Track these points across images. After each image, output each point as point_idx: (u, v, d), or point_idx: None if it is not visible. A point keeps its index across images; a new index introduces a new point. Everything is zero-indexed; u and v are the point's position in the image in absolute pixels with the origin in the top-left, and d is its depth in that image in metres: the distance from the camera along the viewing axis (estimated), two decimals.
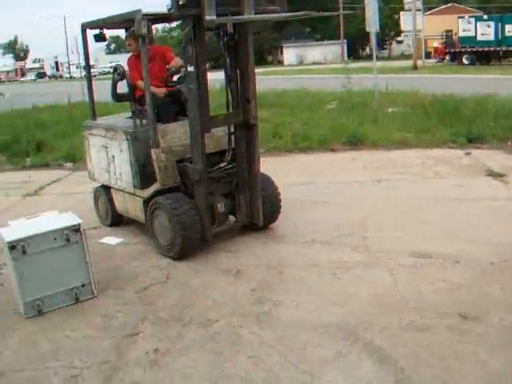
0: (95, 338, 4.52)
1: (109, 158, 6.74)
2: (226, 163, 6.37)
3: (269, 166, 9.68)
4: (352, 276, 5.25)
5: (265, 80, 26.98)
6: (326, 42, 68.18)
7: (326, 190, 8.09)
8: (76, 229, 5.04)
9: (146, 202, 6.28)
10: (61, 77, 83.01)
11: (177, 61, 6.45)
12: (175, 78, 6.62)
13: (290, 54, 68.37)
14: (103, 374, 4.03)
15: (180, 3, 5.42)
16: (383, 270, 5.33)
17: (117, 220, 7.23)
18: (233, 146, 6.37)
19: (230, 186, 6.40)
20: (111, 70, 6.95)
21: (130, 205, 6.74)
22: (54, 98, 20.16)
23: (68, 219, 5.24)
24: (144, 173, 6.25)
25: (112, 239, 6.70)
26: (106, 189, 7.17)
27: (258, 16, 5.95)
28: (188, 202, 5.96)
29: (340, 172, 9.18)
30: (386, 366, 3.83)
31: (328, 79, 26.21)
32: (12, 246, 4.84)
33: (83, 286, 5.15)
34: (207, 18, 5.36)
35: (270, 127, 12.57)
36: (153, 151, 5.99)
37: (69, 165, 11.59)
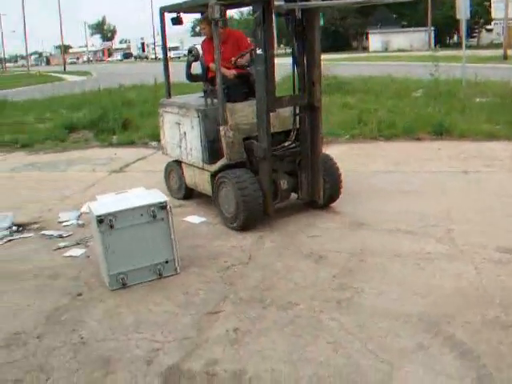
0: (177, 314, 4.59)
1: (181, 134, 7.20)
2: (290, 142, 6.67)
3: (353, 152, 9.67)
4: (436, 268, 5.14)
5: (350, 66, 26.80)
6: (412, 28, 66.87)
7: (410, 179, 7.95)
8: (163, 206, 5.12)
9: (213, 175, 6.68)
10: (146, 58, 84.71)
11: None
12: (245, 61, 6.96)
13: (375, 40, 67.46)
14: (184, 349, 4.09)
15: None
16: (468, 264, 5.19)
17: (188, 193, 7.64)
18: (297, 126, 6.61)
19: (293, 164, 6.67)
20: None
21: (199, 179, 7.16)
22: (140, 79, 20.55)
23: (155, 196, 5.33)
24: (212, 148, 6.65)
25: (195, 218, 6.79)
26: (178, 164, 7.61)
27: (324, 2, 6.20)
28: (252, 177, 6.29)
29: (425, 162, 8.99)
30: (468, 362, 3.73)
31: (414, 67, 25.76)
32: (100, 220, 4.97)
33: (167, 262, 5.24)
34: (276, 3, 5.68)
35: (355, 113, 12.45)
36: (221, 128, 6.38)
37: (153, 143, 11.81)
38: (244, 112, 6.55)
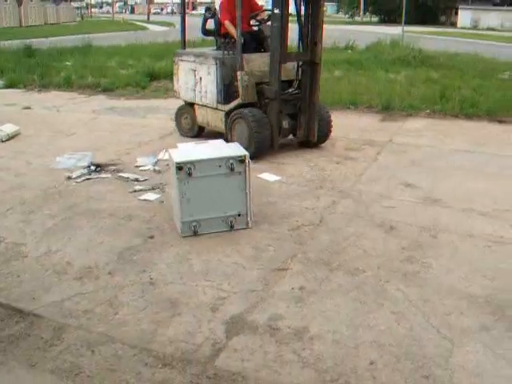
0: (244, 267, 4.68)
1: (196, 79, 8.38)
2: (292, 89, 7.92)
3: (433, 127, 9.52)
4: (507, 252, 5.03)
5: (436, 40, 26.13)
6: (505, 7, 64.40)
7: (489, 161, 7.75)
8: (241, 159, 5.18)
9: (227, 114, 7.91)
10: None
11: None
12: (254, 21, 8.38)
13: (464, 16, 65.23)
14: (249, 301, 4.18)
15: None
16: None
17: (199, 132, 8.89)
18: (299, 77, 7.83)
19: (294, 108, 7.88)
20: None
21: (212, 118, 8.39)
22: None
23: (234, 149, 5.39)
24: (227, 91, 7.93)
25: (270, 176, 6.84)
26: (191, 106, 8.79)
27: None
28: (263, 115, 7.55)
29: (506, 145, 8.74)
30: None
31: (503, 47, 24.99)
32: (179, 167, 5.07)
33: (239, 215, 5.32)
34: None
35: (438, 89, 12.19)
36: (238, 73, 7.60)
37: None
38: (257, 61, 7.81)
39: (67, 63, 18.03)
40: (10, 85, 15.10)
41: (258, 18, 8.33)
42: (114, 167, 7.40)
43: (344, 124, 9.67)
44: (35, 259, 4.94)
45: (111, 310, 4.11)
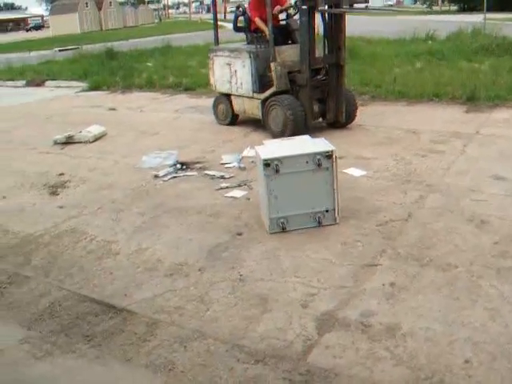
0: (334, 263, 4.65)
1: (231, 72, 9.18)
2: (321, 76, 8.65)
3: None
4: None
5: None
6: None
7: None
8: (328, 155, 5.14)
9: (263, 102, 8.72)
10: None
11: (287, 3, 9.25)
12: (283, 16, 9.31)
13: None
14: (339, 297, 4.14)
15: None
16: None
17: (234, 119, 9.76)
18: (326, 65, 8.58)
19: (323, 93, 8.65)
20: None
21: (248, 106, 9.23)
22: None
23: (321, 145, 5.36)
24: (261, 81, 8.76)
25: (355, 171, 6.77)
26: (226, 96, 9.61)
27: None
28: (296, 100, 8.35)
29: None
30: None
31: None
32: (266, 164, 5.08)
33: (327, 211, 5.29)
34: None
35: None
36: (272, 64, 8.39)
37: None
38: (288, 52, 8.62)
39: (148, 64, 18.40)
40: (95, 87, 15.56)
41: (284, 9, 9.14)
42: (199, 165, 7.49)
43: (428, 116, 9.51)
44: (126, 256, 5.06)
45: (202, 307, 4.16)
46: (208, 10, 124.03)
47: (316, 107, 8.62)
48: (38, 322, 4.15)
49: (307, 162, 5.13)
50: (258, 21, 9.00)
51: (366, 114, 9.90)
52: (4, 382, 3.55)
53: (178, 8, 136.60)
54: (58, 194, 6.83)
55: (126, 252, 5.14)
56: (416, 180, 6.43)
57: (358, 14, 23.65)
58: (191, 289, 4.42)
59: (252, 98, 9.01)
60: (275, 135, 8.28)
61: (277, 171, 5.10)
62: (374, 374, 3.34)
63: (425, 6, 69.79)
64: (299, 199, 5.20)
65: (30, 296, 4.51)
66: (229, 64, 9.21)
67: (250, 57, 8.76)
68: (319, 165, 5.13)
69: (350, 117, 9.00)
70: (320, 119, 8.96)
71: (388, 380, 3.28)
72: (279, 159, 5.10)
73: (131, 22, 65.26)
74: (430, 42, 18.42)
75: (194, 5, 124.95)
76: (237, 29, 9.86)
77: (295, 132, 7.87)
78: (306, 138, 5.82)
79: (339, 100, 8.60)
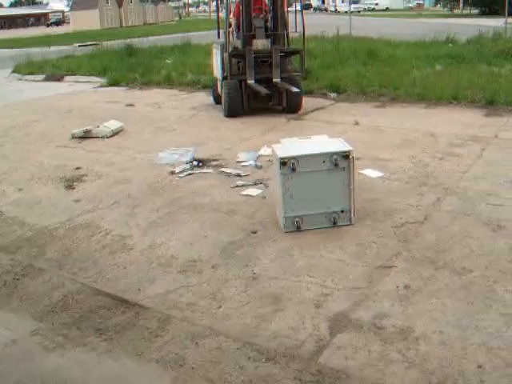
0: (348, 264, 4.62)
1: (217, 60, 10.80)
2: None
3: None
4: None
5: None
6: None
7: None
8: (345, 155, 5.11)
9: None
10: (325, 10, 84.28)
11: None
12: None
13: None
14: (352, 298, 4.12)
15: None
16: None
17: (219, 100, 11.07)
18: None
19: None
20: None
21: (219, 88, 10.95)
22: (319, 30, 20.43)
23: (338, 145, 5.33)
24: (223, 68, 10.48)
25: (372, 172, 6.73)
26: (216, 80, 11.38)
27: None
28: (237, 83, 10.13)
29: None
30: None
31: None
32: (283, 162, 5.06)
33: (342, 211, 5.26)
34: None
35: None
36: (224, 54, 10.12)
37: (333, 95, 11.84)
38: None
39: (167, 61, 18.43)
40: (113, 83, 15.63)
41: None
42: (215, 162, 7.49)
43: (447, 119, 9.46)
44: (140, 251, 5.06)
45: (215, 304, 4.15)
46: None
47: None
48: (50, 314, 4.16)
49: (324, 162, 5.10)
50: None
51: (384, 115, 9.87)
52: (16, 372, 3.55)
53: (197, 6, 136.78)
54: (74, 188, 6.84)
55: (140, 247, 5.14)
56: (433, 183, 6.38)
57: (381, 15, 23.39)
58: (204, 285, 4.41)
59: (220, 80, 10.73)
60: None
61: (293, 170, 5.08)
62: (385, 377, 3.31)
63: (445, 9, 69.35)
64: (315, 199, 5.18)
65: (43, 288, 4.52)
66: (215, 54, 10.99)
67: (219, 48, 10.56)
68: (336, 165, 5.10)
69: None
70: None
71: (400, 383, 3.25)
72: (296, 158, 5.07)
73: (151, 19, 65.45)
74: (450, 44, 18.31)
75: (213, 3, 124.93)
76: None
77: (233, 112, 10.11)
78: (323, 137, 5.80)
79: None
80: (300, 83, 10.52)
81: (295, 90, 9.89)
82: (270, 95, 10.10)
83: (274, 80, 9.94)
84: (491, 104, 10.31)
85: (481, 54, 15.45)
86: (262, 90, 9.79)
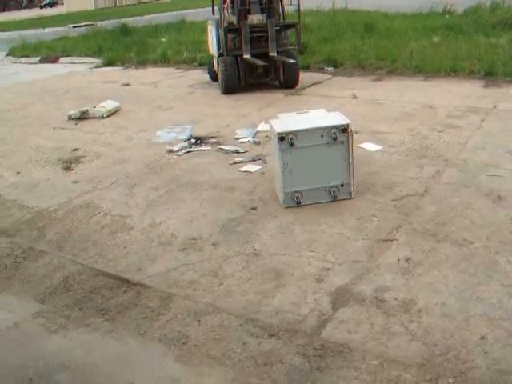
0: (349, 238, 4.61)
1: (212, 36, 10.69)
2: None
3: None
4: None
5: None
6: None
7: None
8: (344, 129, 5.08)
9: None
10: None
11: None
12: None
13: None
14: (354, 272, 4.11)
15: None
16: None
17: (215, 76, 11.14)
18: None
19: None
20: None
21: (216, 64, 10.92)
22: (316, 4, 20.23)
23: (337, 118, 5.29)
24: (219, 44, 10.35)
25: (371, 145, 6.70)
26: (212, 57, 11.28)
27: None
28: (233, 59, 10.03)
29: None
30: None
31: None
32: (281, 138, 5.03)
33: (342, 185, 5.24)
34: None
35: None
36: (220, 30, 10.19)
37: (330, 69, 11.76)
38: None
39: (162, 40, 18.29)
40: (109, 63, 15.52)
41: None
42: (213, 140, 7.46)
43: (445, 91, 9.39)
44: (140, 231, 5.05)
45: (216, 281, 4.15)
46: None
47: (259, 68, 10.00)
48: (52, 295, 4.16)
49: (322, 136, 5.07)
50: None
51: (382, 88, 9.81)
52: (19, 354, 3.55)
53: None
54: (72, 169, 6.82)
55: (139, 226, 5.13)
56: (432, 155, 6.35)
57: None
58: (205, 263, 4.41)
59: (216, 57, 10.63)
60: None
61: (291, 145, 5.05)
62: (388, 350, 3.31)
63: None
64: (314, 173, 5.16)
65: (44, 270, 4.52)
66: (210, 30, 10.86)
67: (214, 24, 10.56)
68: (334, 138, 5.07)
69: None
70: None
71: (403, 355, 3.25)
72: (294, 133, 5.04)
73: None
74: (447, 16, 18.13)
75: None
76: None
77: (229, 89, 10.11)
78: (321, 111, 5.75)
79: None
80: (297, 56, 10.49)
81: (292, 61, 9.87)
82: (266, 68, 10.08)
83: (271, 54, 9.85)
84: (490, 75, 10.23)
85: (478, 25, 15.29)
86: (259, 62, 9.76)
